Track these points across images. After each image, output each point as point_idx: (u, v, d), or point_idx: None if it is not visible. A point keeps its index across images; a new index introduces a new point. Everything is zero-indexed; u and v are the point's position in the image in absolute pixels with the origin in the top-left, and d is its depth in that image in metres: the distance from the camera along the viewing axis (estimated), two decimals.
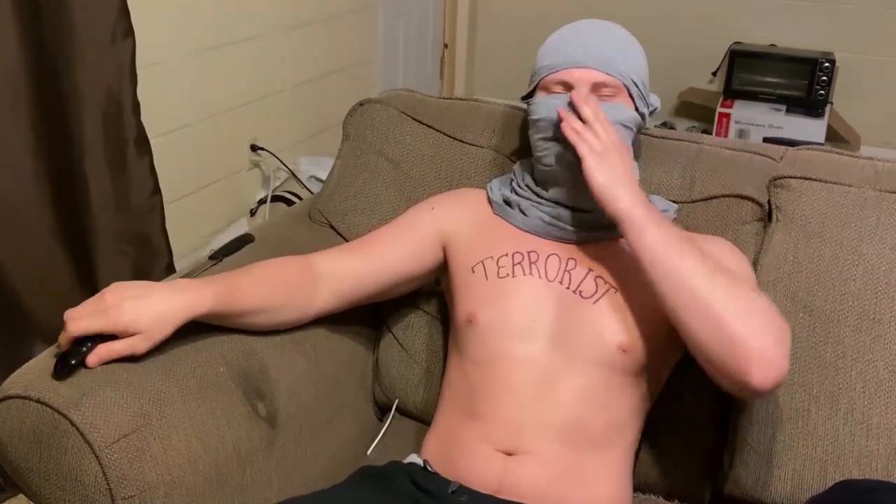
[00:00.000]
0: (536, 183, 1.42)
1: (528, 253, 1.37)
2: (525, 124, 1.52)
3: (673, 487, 1.42)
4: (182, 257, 2.39)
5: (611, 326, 1.29)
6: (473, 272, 1.38)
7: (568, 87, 1.35)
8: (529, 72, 1.43)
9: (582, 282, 1.33)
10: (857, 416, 1.31)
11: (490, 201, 1.46)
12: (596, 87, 1.34)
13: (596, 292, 1.32)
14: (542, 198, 1.39)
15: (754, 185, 1.47)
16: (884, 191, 1.40)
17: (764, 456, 1.35)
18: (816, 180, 1.42)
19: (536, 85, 1.40)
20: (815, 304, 1.36)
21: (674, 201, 1.48)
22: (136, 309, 1.17)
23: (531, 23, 4.04)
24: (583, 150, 1.27)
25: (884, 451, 1.28)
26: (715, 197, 1.48)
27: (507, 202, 1.43)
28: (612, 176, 1.26)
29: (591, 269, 1.34)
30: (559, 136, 1.32)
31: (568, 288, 1.33)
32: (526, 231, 1.39)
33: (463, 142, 1.65)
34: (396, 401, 1.58)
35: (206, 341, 1.30)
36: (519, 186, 1.44)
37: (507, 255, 1.37)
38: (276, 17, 2.74)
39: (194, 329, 1.31)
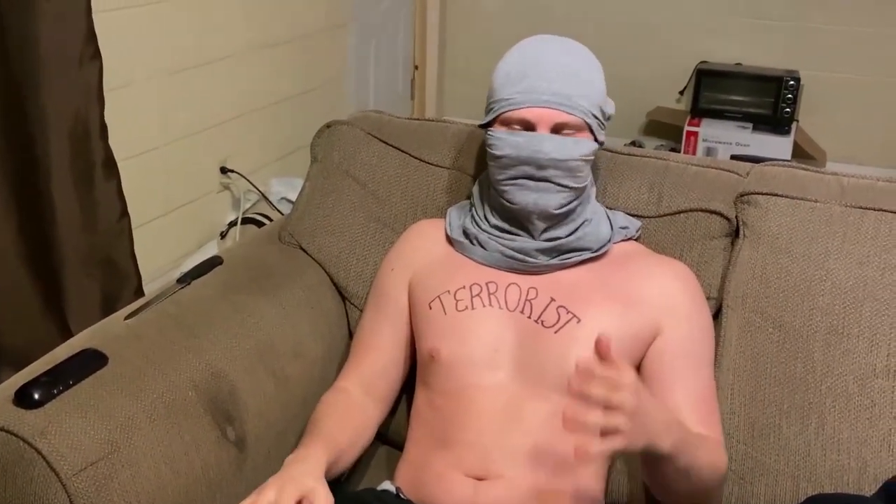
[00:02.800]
0: (494, 211, 1.40)
1: (487, 284, 1.36)
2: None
3: None
4: (151, 281, 2.37)
5: (573, 356, 1.26)
6: (431, 308, 1.38)
7: (528, 125, 1.32)
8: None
9: (543, 311, 1.32)
10: (828, 430, 1.31)
11: (448, 235, 1.45)
12: (557, 127, 1.31)
13: (558, 321, 1.31)
14: (501, 230, 1.38)
15: (722, 201, 1.48)
16: (849, 206, 1.41)
17: (736, 472, 1.35)
18: (783, 196, 1.43)
19: (496, 118, 1.35)
20: (784, 320, 1.37)
21: (641, 216, 1.49)
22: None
23: (501, 44, 4.05)
24: (613, 444, 1.02)
25: (854, 465, 1.29)
26: (683, 211, 1.49)
27: (467, 234, 1.42)
28: (645, 438, 1.06)
29: (553, 299, 1.33)
30: (522, 175, 1.31)
31: (529, 317, 1.32)
32: (486, 265, 1.38)
33: (428, 163, 1.65)
34: None
35: (174, 365, 1.29)
36: (477, 216, 1.42)
37: (464, 287, 1.36)
38: (246, 38, 2.73)
39: (161, 353, 1.30)
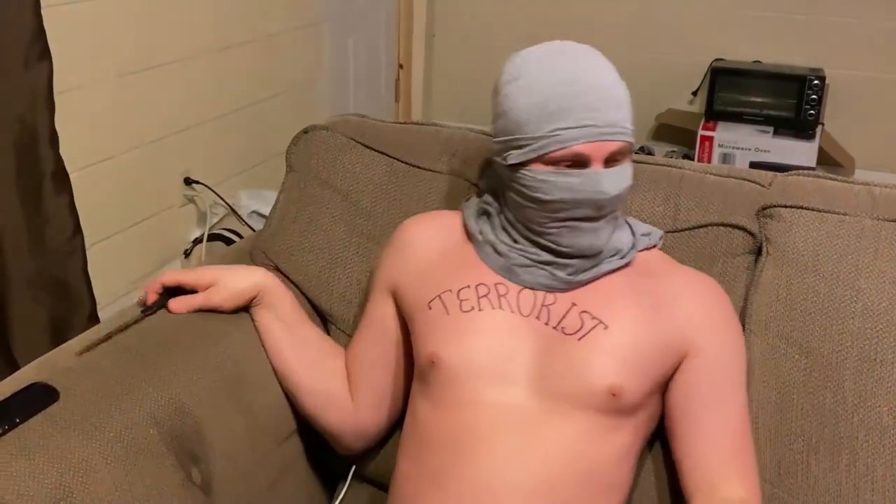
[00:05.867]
0: (525, 240, 1.35)
1: (496, 285, 1.34)
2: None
3: None
4: (107, 305, 2.36)
5: (600, 367, 1.27)
6: (430, 308, 1.35)
7: (580, 161, 1.27)
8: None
9: (564, 317, 1.30)
10: (861, 467, 1.31)
11: (466, 229, 1.42)
12: (611, 158, 1.28)
13: (581, 328, 1.29)
14: (530, 258, 1.34)
15: (744, 214, 1.48)
16: (881, 219, 1.41)
17: None
18: (809, 209, 1.44)
19: (539, 157, 1.27)
20: (811, 346, 1.37)
21: None
22: (217, 269, 1.50)
23: (494, 40, 4.07)
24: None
25: None
26: (703, 226, 1.49)
27: (485, 239, 1.39)
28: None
29: (574, 304, 1.31)
30: (577, 217, 1.29)
31: (547, 324, 1.30)
32: (499, 274, 1.36)
33: (419, 167, 1.65)
34: (353, 467, 1.57)
35: (132, 400, 1.28)
36: (500, 236, 1.38)
37: (469, 286, 1.34)
38: (211, 36, 2.74)
39: (119, 386, 1.29)
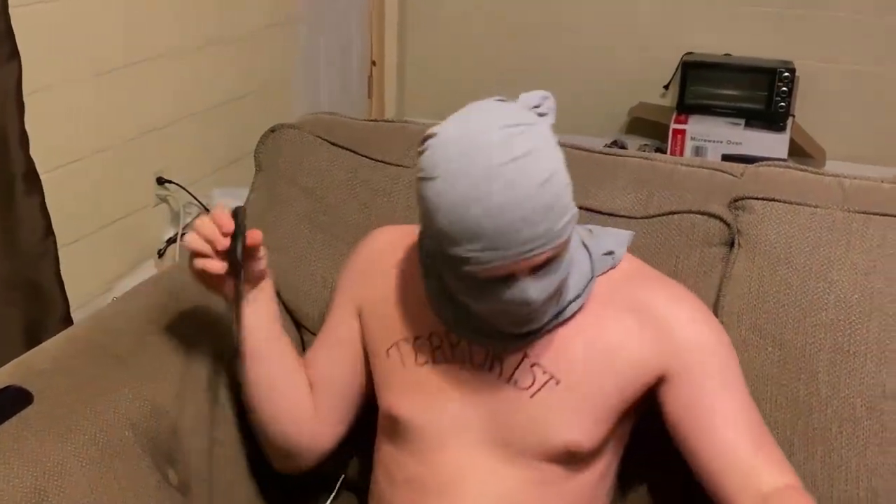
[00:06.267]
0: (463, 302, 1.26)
1: (447, 334, 1.30)
2: None
3: None
4: (81, 306, 2.34)
5: (555, 424, 1.24)
6: (388, 356, 1.34)
7: (503, 275, 1.14)
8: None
9: (516, 370, 1.26)
10: (835, 459, 1.32)
11: (420, 260, 1.36)
12: (542, 264, 1.15)
13: (533, 384, 1.26)
14: (475, 318, 1.27)
15: (720, 204, 1.48)
16: (852, 211, 1.42)
17: None
18: (780, 201, 1.44)
19: (460, 274, 1.15)
20: (784, 338, 1.38)
21: (628, 217, 1.47)
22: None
23: (467, 36, 4.07)
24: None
25: (864, 495, 1.30)
26: (677, 212, 1.48)
27: (434, 291, 1.32)
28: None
29: (525, 356, 1.27)
30: (507, 318, 1.20)
31: (500, 376, 1.27)
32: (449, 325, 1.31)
33: (385, 162, 1.64)
34: (343, 476, 1.56)
35: (108, 402, 1.28)
36: (447, 286, 1.28)
37: (423, 336, 1.32)
38: (182, 35, 2.72)
39: (93, 388, 1.29)
